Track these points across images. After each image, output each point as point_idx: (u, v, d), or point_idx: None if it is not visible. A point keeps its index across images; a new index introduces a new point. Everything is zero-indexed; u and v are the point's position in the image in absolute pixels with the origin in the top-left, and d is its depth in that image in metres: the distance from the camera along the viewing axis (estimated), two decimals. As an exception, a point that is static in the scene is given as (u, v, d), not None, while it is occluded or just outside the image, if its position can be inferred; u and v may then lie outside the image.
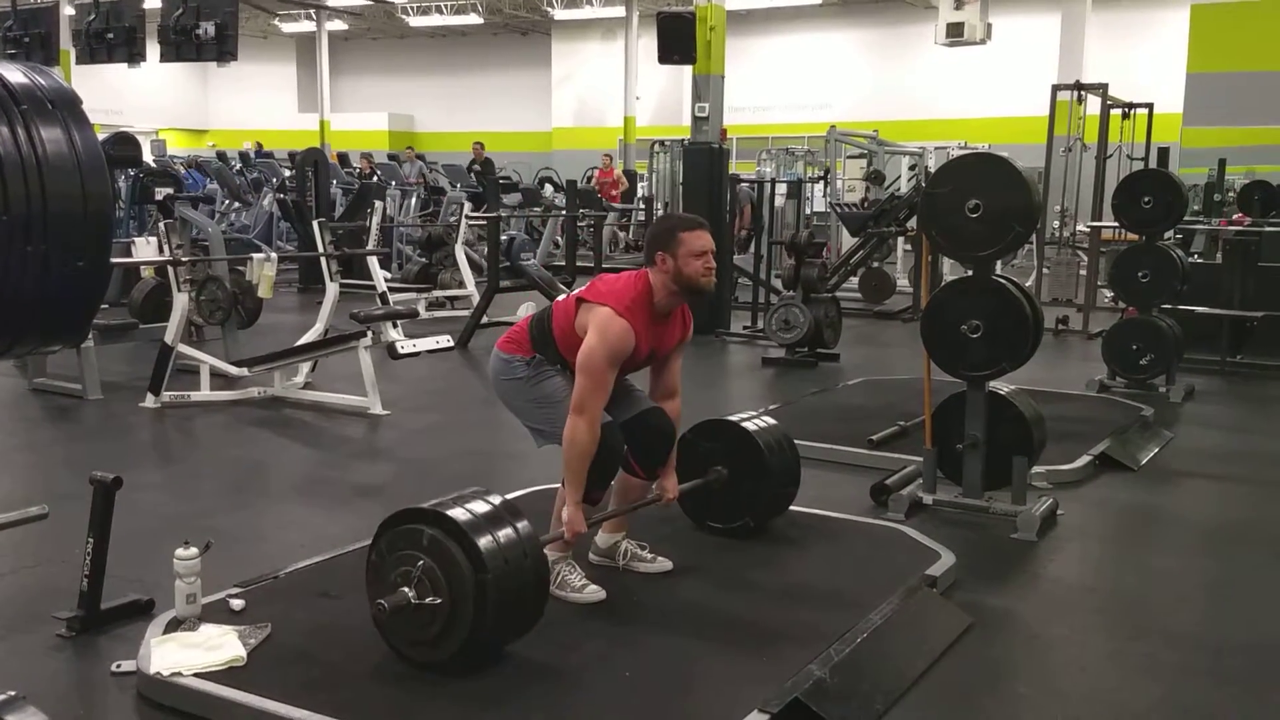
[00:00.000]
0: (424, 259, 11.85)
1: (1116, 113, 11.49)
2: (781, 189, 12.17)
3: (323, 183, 12.63)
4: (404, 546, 2.85)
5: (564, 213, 11.46)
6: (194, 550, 3.14)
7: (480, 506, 2.91)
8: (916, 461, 4.77)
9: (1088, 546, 4.39)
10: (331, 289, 7.20)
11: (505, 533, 2.86)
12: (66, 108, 1.91)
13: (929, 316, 4.49)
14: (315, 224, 7.67)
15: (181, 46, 11.42)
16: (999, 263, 4.67)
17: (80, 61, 12.40)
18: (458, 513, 2.84)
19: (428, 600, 2.79)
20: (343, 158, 18.07)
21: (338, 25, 29.22)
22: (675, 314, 3.45)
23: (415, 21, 27.78)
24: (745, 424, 4.01)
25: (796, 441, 4.16)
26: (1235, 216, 10.40)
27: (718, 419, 4.09)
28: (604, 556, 3.66)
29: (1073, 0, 19.63)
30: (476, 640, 2.81)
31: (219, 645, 2.96)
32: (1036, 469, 4.72)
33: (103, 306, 6.85)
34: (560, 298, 3.53)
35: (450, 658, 2.83)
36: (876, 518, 4.43)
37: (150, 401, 6.36)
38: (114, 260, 6.69)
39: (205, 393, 6.55)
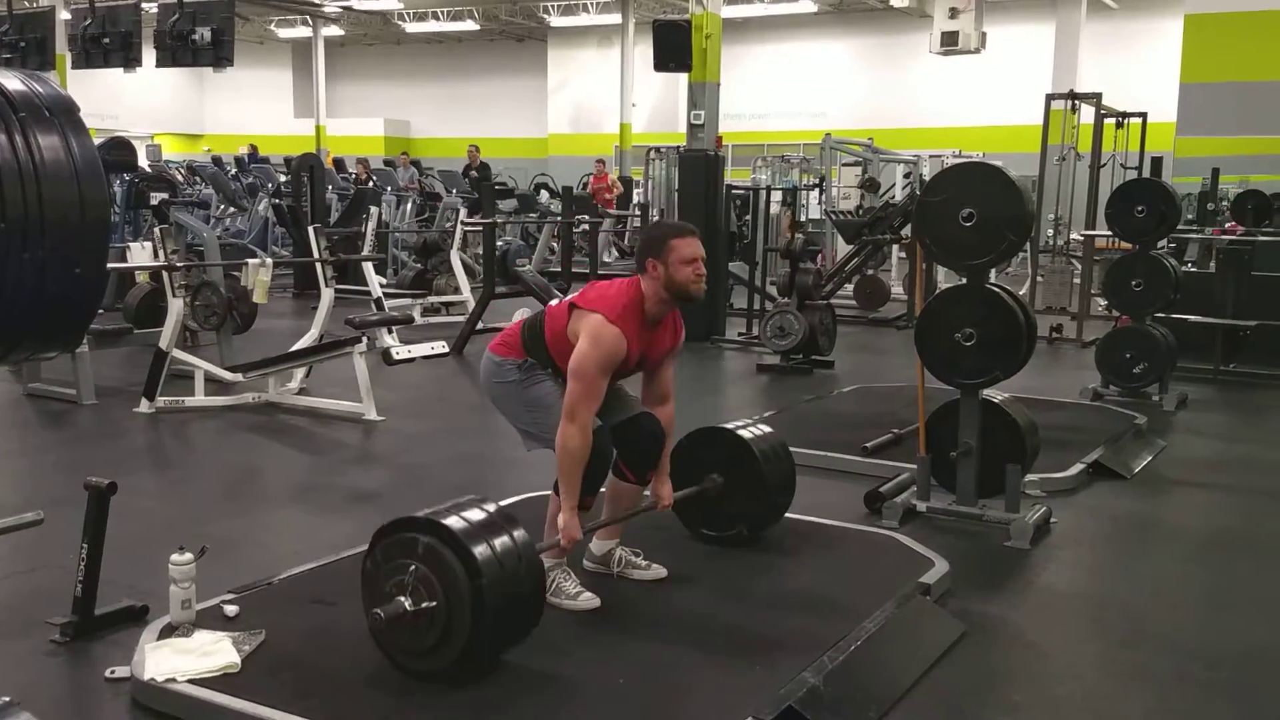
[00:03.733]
0: (419, 264, 11.86)
1: (1110, 122, 11.53)
2: (777, 196, 12.19)
3: (318, 188, 12.63)
4: (399, 555, 2.84)
5: (560, 219, 11.48)
6: (189, 556, 3.14)
7: (476, 514, 2.91)
8: (910, 469, 4.78)
9: (1081, 554, 4.40)
10: (326, 294, 7.20)
11: (500, 539, 2.86)
12: (64, 115, 1.91)
13: (923, 324, 4.50)
14: (311, 229, 7.67)
15: (178, 52, 11.41)
16: (993, 271, 4.68)
17: (76, 66, 12.40)
18: (453, 520, 2.84)
19: (424, 605, 2.78)
20: (338, 163, 18.07)
21: (334, 31, 29.20)
22: (666, 321, 3.46)
23: (411, 28, 27.80)
24: (741, 432, 4.02)
25: (791, 449, 4.17)
26: (1229, 225, 10.43)
27: (713, 427, 4.10)
28: (599, 564, 3.67)
29: (1067, 10, 19.73)
30: (474, 648, 2.80)
31: (213, 651, 2.96)
32: (1030, 477, 4.74)
33: (98, 311, 6.85)
34: (553, 302, 3.54)
35: (448, 666, 2.83)
36: (870, 525, 4.44)
37: (145, 407, 6.35)
38: (109, 265, 6.69)
39: (200, 398, 6.55)
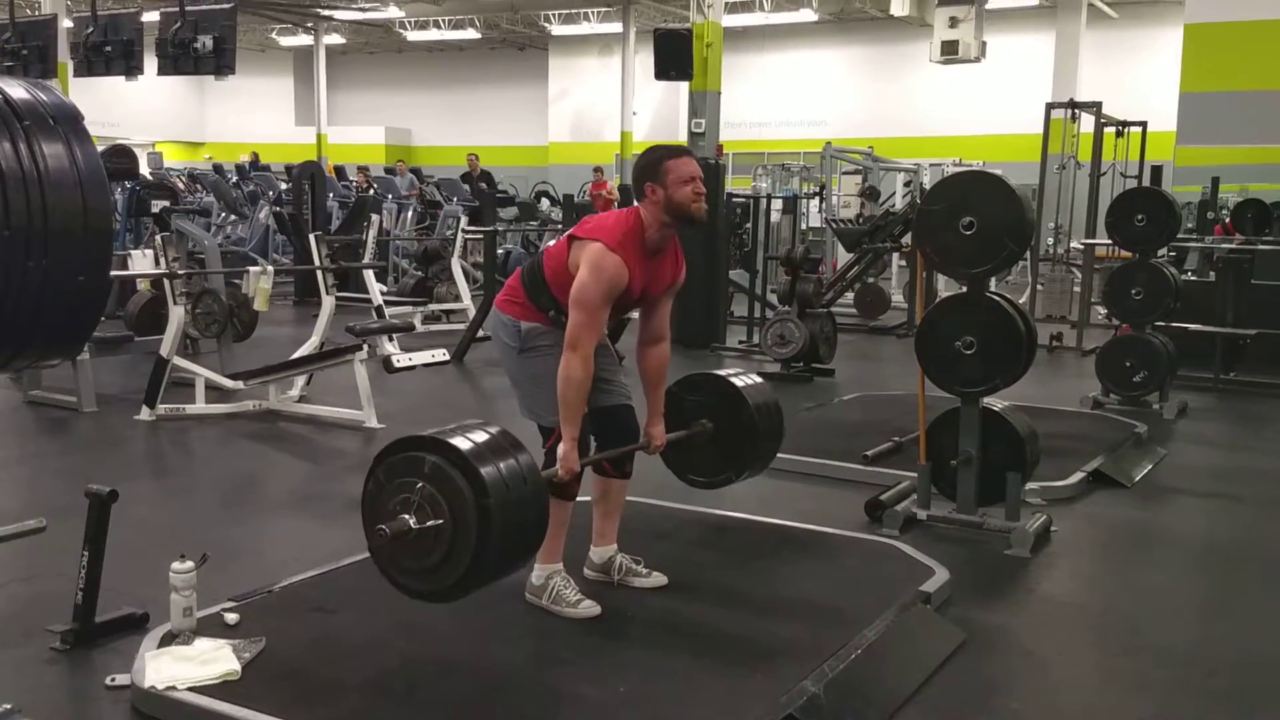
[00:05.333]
0: (420, 272, 11.87)
1: (1110, 131, 11.56)
2: (777, 204, 12.21)
3: (319, 196, 12.66)
4: (404, 474, 2.79)
5: (560, 226, 11.50)
6: (190, 563, 3.14)
7: (481, 436, 2.86)
8: (911, 477, 4.78)
9: (1081, 563, 4.40)
10: (327, 302, 7.21)
11: (506, 460, 2.81)
12: (68, 123, 1.92)
13: (923, 333, 4.50)
14: (312, 237, 7.69)
15: (179, 59, 11.41)
16: (993, 279, 4.69)
17: (78, 74, 12.40)
18: (459, 440, 2.79)
19: (429, 523, 2.73)
20: (339, 171, 18.10)
21: (335, 39, 29.28)
22: (668, 251, 3.43)
23: (413, 36, 27.85)
24: (733, 379, 3.95)
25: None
26: (1227, 222, 10.44)
27: (705, 373, 4.03)
28: (599, 571, 3.67)
29: (1067, 19, 19.77)
30: (478, 568, 2.74)
31: (213, 659, 2.96)
32: (1030, 485, 4.74)
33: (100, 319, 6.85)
34: (550, 243, 3.50)
35: (451, 586, 2.77)
36: (871, 533, 4.44)
37: (146, 414, 6.36)
38: (111, 273, 6.70)
39: (201, 405, 6.55)
